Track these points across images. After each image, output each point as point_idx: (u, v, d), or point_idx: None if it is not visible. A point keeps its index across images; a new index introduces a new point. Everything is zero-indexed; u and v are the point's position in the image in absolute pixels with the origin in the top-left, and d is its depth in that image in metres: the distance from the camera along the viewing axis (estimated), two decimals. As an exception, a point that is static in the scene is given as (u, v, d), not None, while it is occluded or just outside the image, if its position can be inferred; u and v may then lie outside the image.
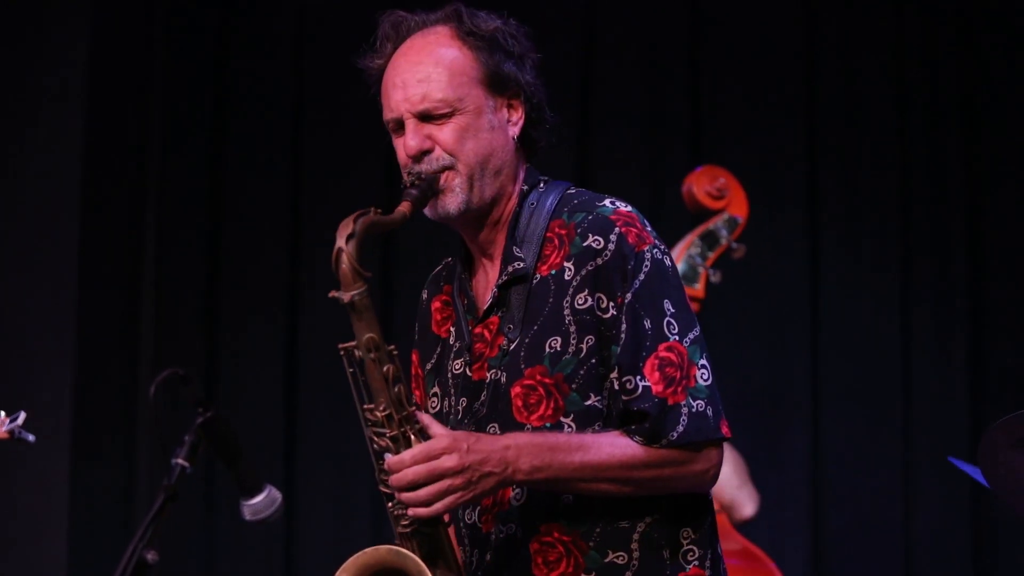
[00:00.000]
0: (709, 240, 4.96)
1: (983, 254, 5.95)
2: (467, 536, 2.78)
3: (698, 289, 4.90)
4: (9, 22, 5.84)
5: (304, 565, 5.88)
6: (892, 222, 5.97)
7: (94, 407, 5.78)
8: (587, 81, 6.08)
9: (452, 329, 2.88)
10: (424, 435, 2.62)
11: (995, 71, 6.00)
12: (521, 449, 2.61)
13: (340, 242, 2.67)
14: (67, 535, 5.63)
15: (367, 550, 2.64)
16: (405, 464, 2.58)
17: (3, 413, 3.16)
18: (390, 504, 2.65)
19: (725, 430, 2.70)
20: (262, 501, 2.72)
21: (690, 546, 2.72)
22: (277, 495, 2.75)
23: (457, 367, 2.83)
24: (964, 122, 6.00)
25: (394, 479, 2.59)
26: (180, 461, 2.53)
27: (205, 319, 6.06)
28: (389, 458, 2.61)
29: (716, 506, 4.68)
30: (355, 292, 2.66)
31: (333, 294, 2.66)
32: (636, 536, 2.69)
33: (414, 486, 2.57)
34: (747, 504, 4.87)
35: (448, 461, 2.57)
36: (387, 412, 2.62)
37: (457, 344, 2.84)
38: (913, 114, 6.01)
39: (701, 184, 5.03)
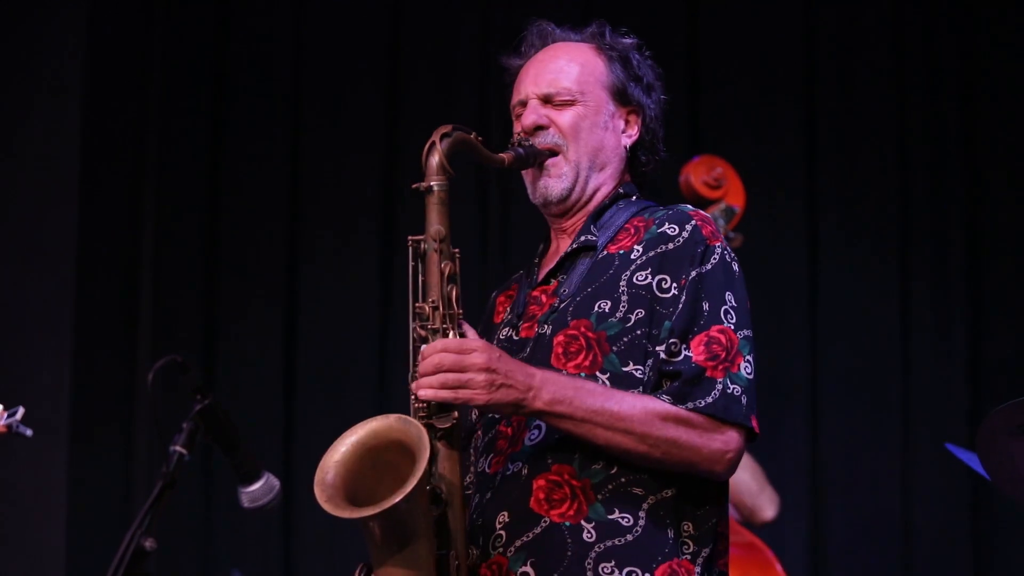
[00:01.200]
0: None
1: (982, 242, 5.95)
2: (474, 484, 2.81)
3: (696, 278, 4.90)
4: (6, 13, 5.83)
5: (302, 552, 5.89)
6: (891, 209, 5.97)
7: (92, 395, 5.78)
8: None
9: (508, 309, 2.95)
10: (464, 337, 2.69)
11: (995, 58, 6.00)
12: (547, 380, 2.66)
13: (435, 137, 2.75)
14: (65, 523, 5.63)
15: (378, 416, 2.67)
16: (437, 349, 2.63)
17: (0, 407, 3.16)
18: (413, 397, 2.67)
19: (755, 424, 2.74)
20: (260, 488, 2.73)
21: (686, 539, 2.73)
22: (275, 482, 2.76)
23: (503, 334, 2.90)
24: (963, 108, 5.99)
25: (422, 364, 2.63)
26: (178, 448, 2.54)
27: (203, 307, 6.06)
28: (424, 346, 2.66)
29: (733, 514, 4.69)
30: (436, 182, 2.73)
31: (415, 184, 2.74)
32: (646, 506, 2.70)
33: (439, 370, 2.61)
34: (767, 507, 4.88)
35: (477, 357, 2.61)
36: (435, 305, 2.70)
37: (509, 315, 2.93)
38: (912, 101, 6.00)
39: (698, 174, 5.04)
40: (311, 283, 6.04)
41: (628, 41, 3.00)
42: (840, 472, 5.86)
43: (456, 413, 2.68)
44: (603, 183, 2.92)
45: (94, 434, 5.77)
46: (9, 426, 3.13)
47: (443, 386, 2.61)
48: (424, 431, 2.60)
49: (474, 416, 2.89)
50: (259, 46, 6.17)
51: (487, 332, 2.97)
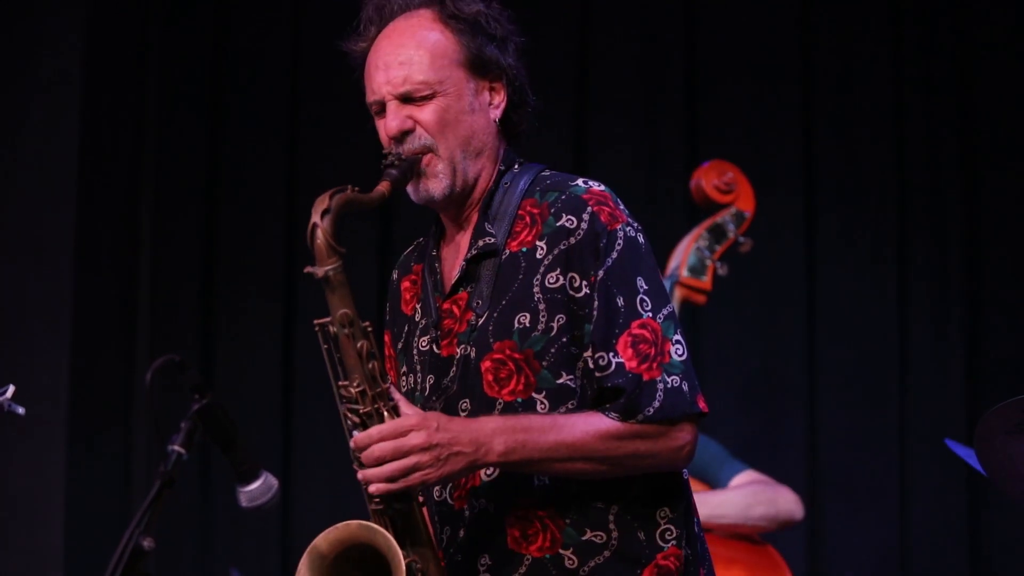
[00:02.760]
0: (716, 234, 4.98)
1: (980, 240, 5.95)
2: (437, 514, 2.77)
3: (705, 282, 4.92)
4: (5, 10, 5.83)
5: (300, 551, 5.86)
6: (888, 209, 5.97)
7: (90, 393, 5.78)
8: (583, 70, 6.07)
9: (418, 307, 2.88)
10: (398, 413, 2.62)
11: (994, 57, 5.99)
12: (494, 431, 2.61)
13: (315, 218, 2.64)
14: (63, 522, 5.63)
15: (339, 525, 2.64)
16: (373, 440, 2.59)
17: None
18: (364, 485, 2.63)
19: (702, 405, 2.69)
20: (258, 487, 2.72)
21: (667, 525, 2.71)
22: (273, 481, 2.75)
23: (423, 344, 2.83)
24: (961, 108, 5.99)
25: (363, 455, 2.59)
26: (176, 447, 2.53)
27: (202, 305, 6.05)
28: (357, 434, 2.62)
29: (764, 524, 4.69)
30: (329, 267, 2.66)
31: (308, 269, 2.67)
32: (612, 517, 2.69)
33: (381, 462, 2.57)
34: (794, 513, 4.87)
35: (416, 438, 2.57)
36: (360, 388, 2.64)
37: (423, 321, 2.85)
38: (910, 100, 6.00)
39: (710, 178, 5.05)
40: (309, 282, 6.00)
41: (474, 5, 2.79)
42: (838, 470, 5.85)
43: (416, 493, 2.65)
44: (483, 168, 2.79)
45: (92, 433, 5.77)
46: (0, 405, 3.11)
47: (391, 478, 2.57)
48: (393, 542, 2.57)
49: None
50: (257, 42, 6.17)
51: (395, 319, 2.93)
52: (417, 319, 2.87)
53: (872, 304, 5.93)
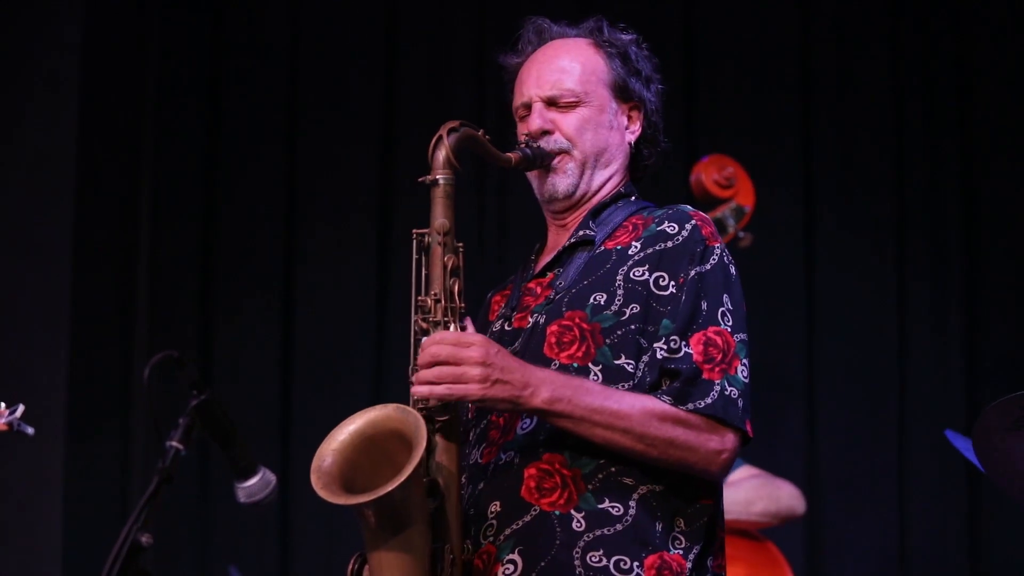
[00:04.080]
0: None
1: (979, 236, 5.95)
2: (468, 474, 2.80)
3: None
4: (3, 8, 5.82)
5: (299, 547, 5.88)
6: (887, 205, 5.97)
7: (89, 391, 5.78)
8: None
9: (503, 305, 2.96)
10: (464, 331, 2.69)
11: (992, 53, 5.99)
12: (545, 379, 2.66)
13: (442, 131, 2.76)
14: (62, 518, 5.63)
15: (376, 406, 2.67)
16: (435, 341, 2.63)
17: (3, 405, 3.15)
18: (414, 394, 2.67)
19: (749, 428, 2.75)
20: (256, 483, 2.72)
21: (679, 534, 2.73)
22: (271, 477, 2.76)
23: (497, 327, 2.91)
24: (960, 103, 5.99)
25: (421, 355, 2.64)
26: (174, 444, 2.53)
27: (200, 301, 6.05)
28: (424, 339, 2.66)
29: (765, 519, 4.69)
30: (441, 175, 2.74)
31: (422, 178, 2.74)
32: (637, 496, 2.71)
33: (434, 363, 2.61)
34: (795, 507, 4.87)
35: (474, 351, 2.61)
36: (437, 298, 2.70)
37: (504, 310, 2.94)
38: (908, 94, 6.00)
39: (710, 173, 5.05)
40: (307, 278, 6.04)
41: (626, 37, 3.03)
42: (837, 466, 5.85)
43: (459, 415, 2.69)
44: (607, 179, 2.95)
45: (91, 430, 5.77)
46: (10, 424, 3.12)
47: (439, 380, 2.60)
48: (422, 421, 2.60)
49: (471, 414, 2.88)
50: (255, 40, 6.17)
51: (482, 331, 2.96)
52: (500, 312, 2.96)
53: (871, 300, 5.93)
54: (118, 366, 5.91)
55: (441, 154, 2.73)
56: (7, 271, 5.76)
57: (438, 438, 2.66)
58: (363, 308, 5.99)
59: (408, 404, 2.67)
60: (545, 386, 2.64)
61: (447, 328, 2.68)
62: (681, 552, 2.72)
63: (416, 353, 2.68)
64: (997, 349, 5.86)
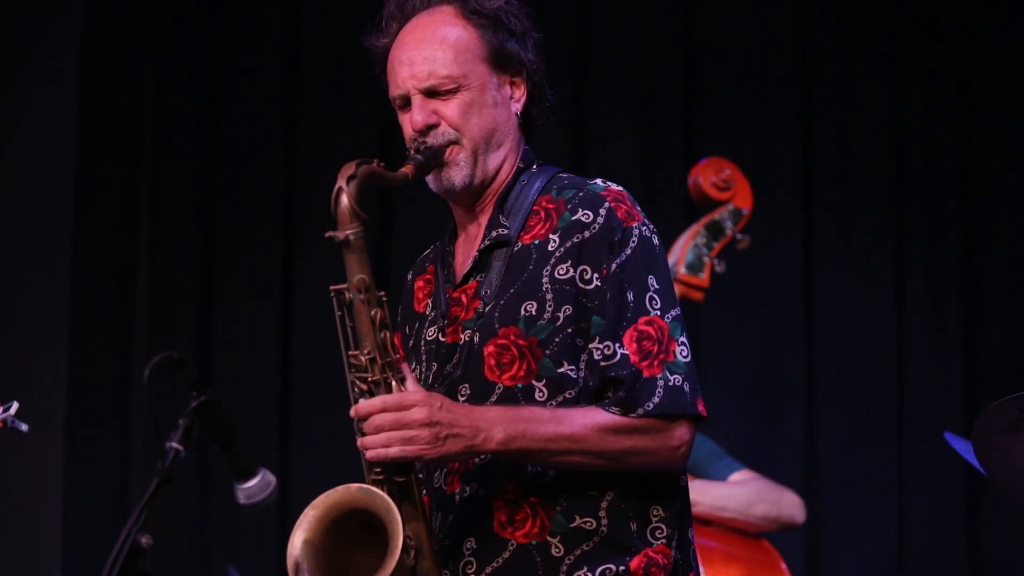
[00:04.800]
0: (714, 231, 4.97)
1: (978, 238, 5.95)
2: (434, 501, 2.78)
3: (703, 279, 4.92)
4: (3, 5, 5.82)
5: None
6: (887, 205, 5.97)
7: (88, 391, 5.78)
8: (581, 67, 6.07)
9: (430, 301, 2.90)
10: (406, 385, 2.64)
11: (992, 55, 5.99)
12: (495, 420, 2.63)
13: (341, 182, 2.72)
14: (62, 519, 5.63)
15: (338, 488, 2.64)
16: (375, 408, 2.60)
17: None
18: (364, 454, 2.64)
19: (701, 408, 2.71)
20: (256, 485, 2.72)
21: (658, 523, 2.72)
22: (271, 479, 2.75)
23: (430, 334, 2.85)
24: (959, 103, 5.99)
25: (365, 424, 2.60)
26: (174, 445, 2.53)
27: (200, 302, 6.05)
28: (362, 402, 2.62)
29: (764, 523, 4.70)
30: (351, 231, 2.69)
31: (329, 233, 2.70)
32: (604, 504, 2.69)
33: (380, 430, 2.58)
34: (795, 516, 4.87)
35: (418, 413, 2.58)
36: (371, 356, 2.65)
37: (432, 313, 2.87)
38: (908, 97, 6.00)
39: (707, 175, 5.04)
40: (307, 279, 6.04)
41: (495, 1, 2.84)
42: (836, 467, 5.85)
43: (414, 469, 2.66)
44: (502, 160, 2.84)
45: (90, 430, 5.77)
46: (4, 421, 3.12)
47: (388, 446, 2.58)
48: (391, 503, 2.57)
49: None
50: (256, 39, 6.17)
51: (409, 319, 2.95)
52: (428, 312, 2.90)
53: (870, 301, 5.93)
54: (118, 367, 5.91)
55: (344, 207, 2.69)
56: (7, 272, 5.76)
57: (404, 504, 2.63)
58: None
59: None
60: (497, 427, 2.62)
61: (388, 385, 2.63)
62: (664, 541, 2.71)
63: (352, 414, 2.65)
64: (996, 349, 5.86)
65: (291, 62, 6.15)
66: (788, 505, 4.82)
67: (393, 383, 2.63)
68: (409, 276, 3.02)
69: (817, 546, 5.83)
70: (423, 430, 2.58)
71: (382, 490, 2.62)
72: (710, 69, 6.08)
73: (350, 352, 2.68)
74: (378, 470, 2.63)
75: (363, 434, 2.61)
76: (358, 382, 2.66)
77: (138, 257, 6.03)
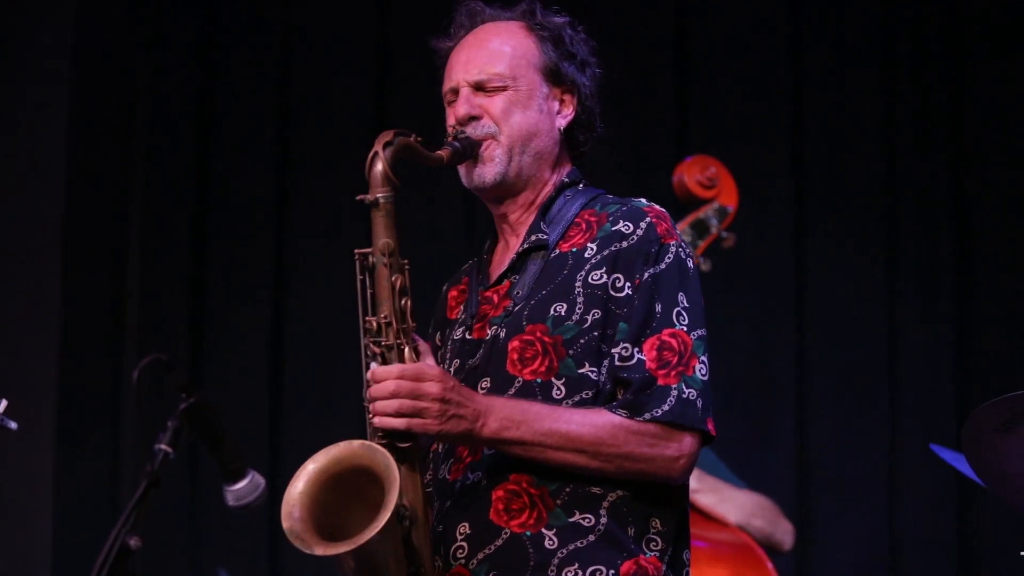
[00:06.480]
0: (699, 229, 4.97)
1: (969, 239, 5.95)
2: (435, 490, 2.79)
3: (688, 278, 4.91)
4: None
5: (289, 550, 5.86)
6: (877, 207, 5.97)
7: (79, 393, 5.76)
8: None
9: (462, 308, 2.93)
10: (418, 354, 2.67)
11: (984, 55, 5.99)
12: (493, 407, 2.65)
13: (377, 147, 2.73)
14: (52, 521, 5.62)
15: (340, 443, 2.65)
16: (392, 375, 2.62)
17: None
18: (369, 415, 2.66)
19: (711, 427, 2.71)
20: (245, 487, 2.72)
21: (655, 535, 2.73)
22: (260, 480, 2.76)
23: (458, 334, 2.87)
24: (951, 102, 5.99)
25: (376, 387, 2.62)
26: (163, 447, 2.53)
27: (190, 304, 6.04)
28: (377, 366, 2.65)
29: (756, 537, 4.73)
30: (381, 194, 2.71)
31: (360, 197, 2.71)
32: (607, 504, 2.70)
33: (393, 397, 2.60)
34: (784, 541, 4.91)
35: (432, 387, 2.60)
36: (387, 320, 2.67)
37: (463, 315, 2.89)
38: (900, 98, 6.00)
39: (692, 173, 5.04)
40: (298, 281, 6.03)
41: (560, 19, 2.95)
42: (827, 468, 5.85)
43: (418, 442, 2.67)
44: (540, 171, 2.88)
45: (81, 432, 5.76)
46: (-8, 419, 3.11)
47: (398, 413, 2.60)
48: (392, 460, 2.58)
49: None
50: (248, 41, 6.16)
51: (441, 327, 2.97)
52: (459, 317, 2.92)
53: (861, 303, 5.93)
54: (108, 369, 5.90)
55: (378, 170, 2.70)
56: (-3, 274, 5.76)
57: (403, 468, 2.63)
58: (353, 312, 5.96)
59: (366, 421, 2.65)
60: (494, 416, 2.63)
61: (401, 350, 2.65)
62: (657, 554, 2.71)
63: (368, 377, 2.66)
64: (987, 351, 5.86)
65: (283, 64, 6.15)
66: (783, 531, 4.87)
67: (406, 350, 2.65)
68: (444, 288, 3.05)
69: (807, 547, 5.82)
70: (434, 404, 2.60)
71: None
72: (702, 68, 6.08)
73: (366, 317, 2.70)
74: (381, 434, 2.64)
75: (372, 398, 2.63)
76: (372, 345, 2.68)
77: (129, 259, 6.02)
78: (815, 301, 5.94)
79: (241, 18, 6.19)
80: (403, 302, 2.67)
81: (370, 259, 2.70)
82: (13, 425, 3.10)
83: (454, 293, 2.99)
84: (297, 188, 6.09)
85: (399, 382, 2.60)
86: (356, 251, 2.72)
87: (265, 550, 5.86)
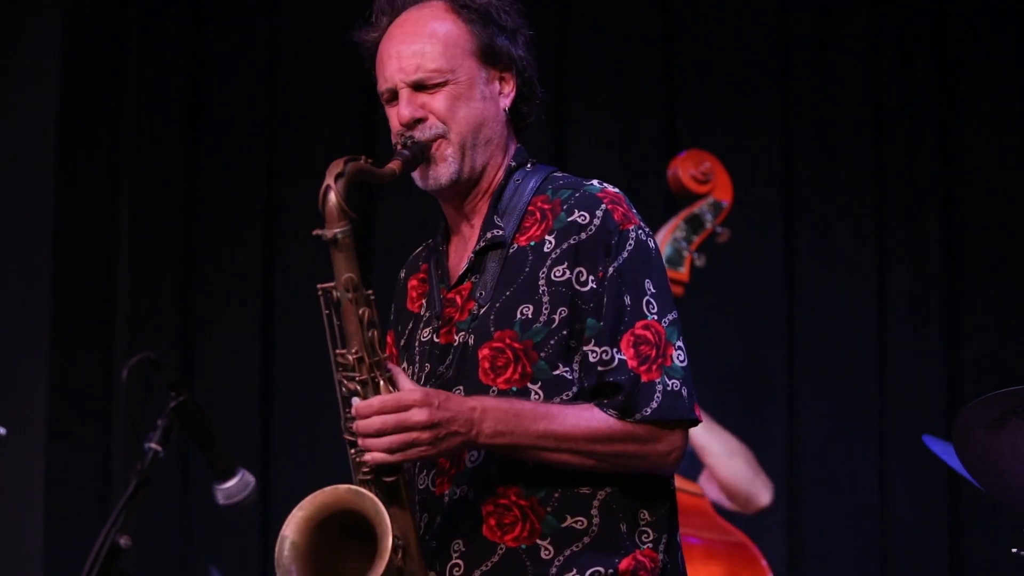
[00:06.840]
0: (694, 224, 4.97)
1: (959, 236, 5.95)
2: (419, 501, 2.76)
3: (683, 273, 4.91)
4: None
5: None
6: (867, 203, 5.97)
7: (69, 392, 5.76)
8: (561, 59, 6.06)
9: (424, 302, 2.89)
10: (394, 384, 2.61)
11: (970, 50, 6.00)
12: (487, 411, 2.61)
13: (329, 180, 2.66)
14: (43, 520, 5.61)
15: (326, 489, 2.62)
16: (373, 410, 2.57)
17: None
18: (353, 451, 2.63)
19: (698, 413, 2.71)
20: (235, 485, 2.72)
21: (645, 527, 2.71)
22: (250, 479, 2.75)
23: (425, 335, 2.83)
24: (940, 102, 5.99)
25: (361, 424, 2.58)
26: (153, 445, 2.53)
27: (181, 302, 6.04)
28: (358, 403, 2.60)
29: (729, 504, 4.74)
30: (339, 230, 2.65)
31: (317, 231, 2.66)
32: (596, 503, 2.69)
33: (380, 434, 2.56)
34: (762, 493, 4.90)
35: (419, 415, 2.56)
36: (359, 355, 2.62)
37: (427, 314, 2.85)
38: (889, 92, 6.00)
39: (686, 168, 5.04)
40: (288, 279, 6.03)
41: None
42: (817, 463, 5.86)
43: (405, 468, 2.65)
44: (492, 157, 2.82)
45: (71, 431, 5.75)
46: (-19, 426, 3.11)
47: (390, 450, 2.56)
48: (381, 507, 2.56)
49: None
50: (237, 35, 6.15)
51: (400, 318, 2.94)
52: (423, 313, 2.88)
53: (852, 298, 5.93)
54: (98, 367, 5.89)
55: (333, 205, 2.64)
56: (-14, 272, 5.75)
57: (392, 506, 2.61)
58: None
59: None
60: (487, 421, 2.60)
61: (376, 385, 2.61)
62: (651, 545, 2.70)
63: (345, 413, 2.63)
64: (978, 347, 5.87)
65: (272, 59, 6.14)
66: (762, 482, 4.86)
67: (381, 382, 2.61)
68: (402, 274, 3.00)
69: (799, 542, 5.83)
70: (424, 432, 2.56)
71: (370, 491, 2.60)
72: (691, 63, 6.07)
73: (337, 351, 2.65)
74: (366, 469, 2.61)
75: (353, 434, 2.59)
76: (345, 381, 2.63)
77: (119, 258, 6.01)
78: (805, 296, 5.94)
79: (230, 15, 6.18)
80: (371, 334, 2.61)
81: (334, 294, 2.64)
82: (2, 431, 3.10)
83: (413, 283, 2.94)
84: (287, 185, 6.08)
85: (383, 418, 2.56)
86: (319, 286, 2.67)
87: (256, 548, 5.86)
